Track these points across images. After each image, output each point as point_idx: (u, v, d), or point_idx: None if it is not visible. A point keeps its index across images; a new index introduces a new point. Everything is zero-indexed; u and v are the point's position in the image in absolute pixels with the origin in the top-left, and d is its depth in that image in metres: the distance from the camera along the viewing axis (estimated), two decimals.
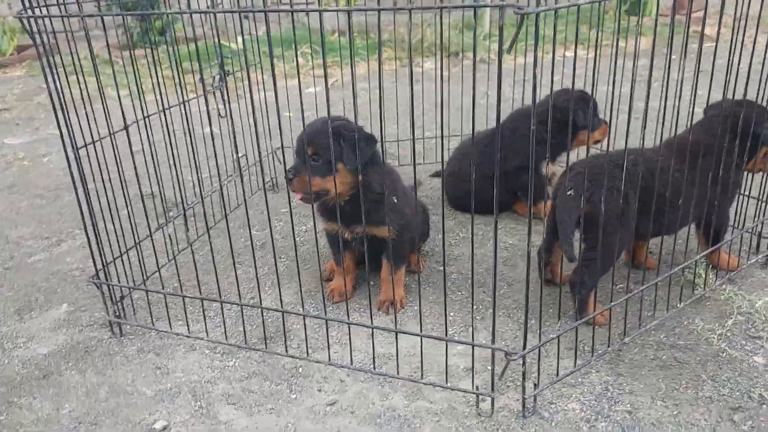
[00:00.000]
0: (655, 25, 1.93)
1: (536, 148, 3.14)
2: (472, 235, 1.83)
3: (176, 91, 2.73)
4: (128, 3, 3.06)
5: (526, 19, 1.47)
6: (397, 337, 2.07)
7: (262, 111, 3.67)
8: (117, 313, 2.47)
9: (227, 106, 3.36)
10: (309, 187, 2.30)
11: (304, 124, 2.12)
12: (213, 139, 2.12)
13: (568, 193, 2.15)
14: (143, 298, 2.63)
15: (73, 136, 2.23)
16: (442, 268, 2.85)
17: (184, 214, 2.96)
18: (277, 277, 2.20)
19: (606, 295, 2.49)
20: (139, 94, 2.38)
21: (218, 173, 2.22)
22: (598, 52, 1.73)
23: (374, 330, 2.18)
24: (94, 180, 2.27)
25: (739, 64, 2.21)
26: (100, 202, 2.33)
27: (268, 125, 3.53)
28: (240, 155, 3.73)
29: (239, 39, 5.13)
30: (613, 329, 2.25)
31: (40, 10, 2.11)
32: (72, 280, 2.89)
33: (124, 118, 2.34)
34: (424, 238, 2.91)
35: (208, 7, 2.74)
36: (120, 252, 2.52)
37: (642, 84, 5.53)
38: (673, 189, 2.24)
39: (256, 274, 2.22)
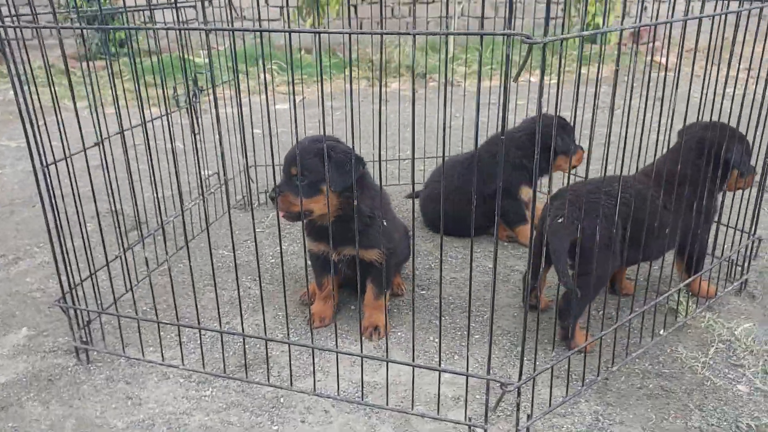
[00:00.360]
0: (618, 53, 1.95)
1: (515, 173, 3.23)
2: (441, 261, 1.79)
3: (139, 106, 2.60)
4: (86, 13, 2.93)
5: (535, 48, 1.45)
6: (387, 367, 2.00)
7: (230, 127, 3.60)
8: (83, 339, 2.32)
9: (200, 122, 3.26)
10: (291, 207, 2.25)
11: (272, 142, 2.06)
12: (195, 155, 2.03)
13: (559, 220, 2.15)
14: (110, 323, 2.48)
15: (43, 151, 2.10)
16: (422, 291, 2.82)
17: (163, 231, 2.83)
18: (262, 301, 2.11)
19: (590, 322, 2.49)
20: (116, 108, 2.26)
21: (200, 189, 2.12)
22: (561, 78, 1.72)
23: (363, 359, 2.11)
24: (55, 197, 2.13)
25: (691, 91, 2.27)
26: (67, 220, 2.19)
27: (237, 142, 3.44)
28: (211, 173, 3.64)
29: (202, 53, 5.02)
30: (602, 357, 2.24)
31: (11, 20, 1.98)
32: (32, 302, 2.71)
33: (104, 132, 2.22)
34: (405, 260, 2.86)
35: (173, 21, 2.65)
36: (90, 272, 2.37)
37: (605, 111, 5.69)
38: (655, 216, 2.27)
39: (239, 296, 2.12)
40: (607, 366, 2.21)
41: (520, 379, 1.82)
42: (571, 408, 2.07)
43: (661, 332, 2.38)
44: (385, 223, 2.36)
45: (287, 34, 1.68)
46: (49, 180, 2.08)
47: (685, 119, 2.30)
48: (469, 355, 2.36)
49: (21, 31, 2.01)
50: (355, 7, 9.72)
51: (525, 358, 2.25)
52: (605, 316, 2.43)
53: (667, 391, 2.14)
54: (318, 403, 2.11)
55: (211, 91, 3.54)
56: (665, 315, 2.42)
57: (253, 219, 1.96)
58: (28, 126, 2.03)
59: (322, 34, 1.71)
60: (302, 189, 2.22)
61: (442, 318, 2.60)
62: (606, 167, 2.00)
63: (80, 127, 2.11)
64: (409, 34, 1.52)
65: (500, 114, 1.56)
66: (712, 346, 2.36)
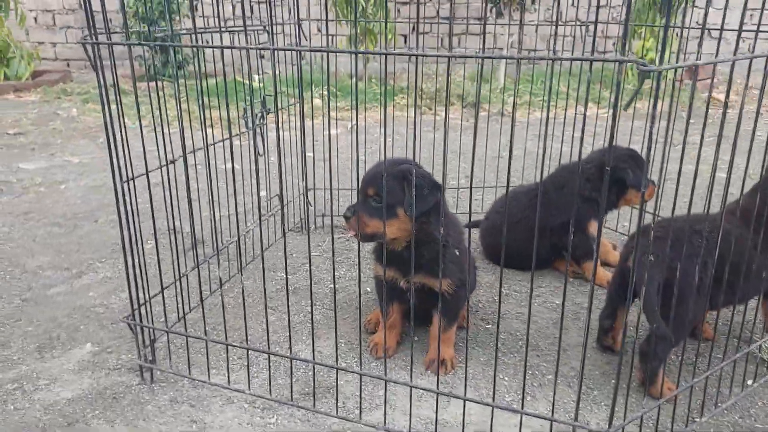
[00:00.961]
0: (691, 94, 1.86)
1: (583, 206, 3.13)
2: (500, 295, 1.70)
3: (202, 127, 2.59)
4: (151, 34, 2.98)
5: (650, 76, 1.38)
6: (465, 406, 1.90)
7: (287, 150, 3.60)
8: (148, 357, 2.29)
9: (265, 144, 3.27)
10: (365, 228, 2.22)
11: (331, 165, 2.02)
12: (256, 176, 2.00)
13: (650, 258, 2.04)
14: (174, 342, 2.46)
15: (119, 168, 2.11)
16: (488, 326, 2.72)
17: (238, 246, 2.82)
18: (336, 330, 2.05)
19: (669, 367, 2.36)
20: (202, 128, 2.26)
21: (259, 211, 2.09)
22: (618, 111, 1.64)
23: (438, 395, 2.02)
24: (133, 213, 2.13)
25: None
26: (136, 237, 2.19)
27: (294, 164, 3.44)
28: (273, 195, 3.63)
29: (256, 77, 5.09)
30: (684, 407, 2.11)
31: (106, 37, 2.01)
32: (95, 317, 2.71)
33: (184, 148, 2.22)
34: (471, 291, 2.78)
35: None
36: (160, 288, 2.36)
37: (672, 146, 5.54)
38: (745, 257, 2.14)
39: (312, 325, 2.07)
40: (694, 417, 2.07)
41: (610, 426, 1.71)
42: None
43: (750, 383, 2.23)
44: (457, 253, 2.30)
45: (352, 55, 1.63)
46: (127, 195, 2.08)
47: (748, 158, 2.17)
48: (542, 396, 2.25)
49: (106, 48, 2.03)
50: (405, 37, 9.82)
51: (597, 401, 2.14)
52: (684, 362, 2.29)
53: None
54: None
55: (272, 113, 3.56)
56: (756, 365, 2.27)
57: (309, 243, 1.91)
58: (111, 142, 2.04)
59: (370, 60, 1.67)
60: (376, 210, 2.18)
61: (512, 354, 2.50)
62: (675, 203, 1.90)
63: (143, 145, 2.11)
64: (493, 58, 1.47)
65: (609, 142, 1.49)
66: None
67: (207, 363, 2.24)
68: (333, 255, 1.82)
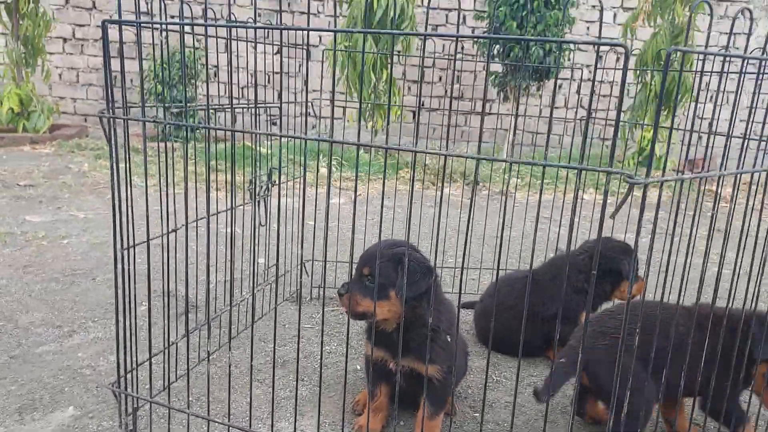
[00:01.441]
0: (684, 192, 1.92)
1: (575, 297, 3.15)
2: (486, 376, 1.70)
3: (207, 191, 2.68)
4: (166, 101, 3.10)
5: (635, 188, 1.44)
6: None
7: (288, 218, 3.68)
8: (129, 427, 2.26)
9: (268, 214, 3.34)
10: (356, 306, 2.25)
11: (326, 235, 2.06)
12: (255, 245, 2.04)
13: (561, 360, 2.09)
14: (156, 411, 2.43)
15: (122, 234, 2.16)
16: (475, 414, 2.68)
17: (230, 315, 2.82)
18: (319, 409, 2.03)
19: None
20: (207, 192, 2.33)
21: (254, 280, 2.12)
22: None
23: None
24: (130, 281, 2.16)
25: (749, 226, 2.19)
26: (131, 302, 2.21)
27: (291, 233, 3.49)
28: (271, 265, 3.67)
29: (266, 143, 5.23)
30: None
31: (123, 112, 2.11)
32: (81, 380, 2.69)
33: (186, 218, 2.28)
34: (461, 377, 2.76)
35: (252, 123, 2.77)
36: (149, 355, 2.35)
37: (661, 237, 5.60)
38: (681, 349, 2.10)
39: (296, 403, 2.05)
40: None
41: None
42: None
43: None
44: (448, 339, 2.30)
45: (359, 129, 1.72)
46: (126, 263, 2.12)
47: (737, 251, 2.21)
48: None
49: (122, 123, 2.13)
50: (414, 113, 10.13)
51: None
52: None
53: None
54: None
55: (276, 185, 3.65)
56: None
57: (299, 317, 1.93)
58: (116, 211, 2.10)
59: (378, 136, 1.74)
60: (369, 290, 2.21)
61: None
62: (663, 294, 1.93)
63: (147, 207, 2.17)
64: (496, 161, 1.54)
65: (596, 255, 1.53)
66: None
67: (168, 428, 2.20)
68: (322, 327, 1.83)
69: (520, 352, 1.75)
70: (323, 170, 7.38)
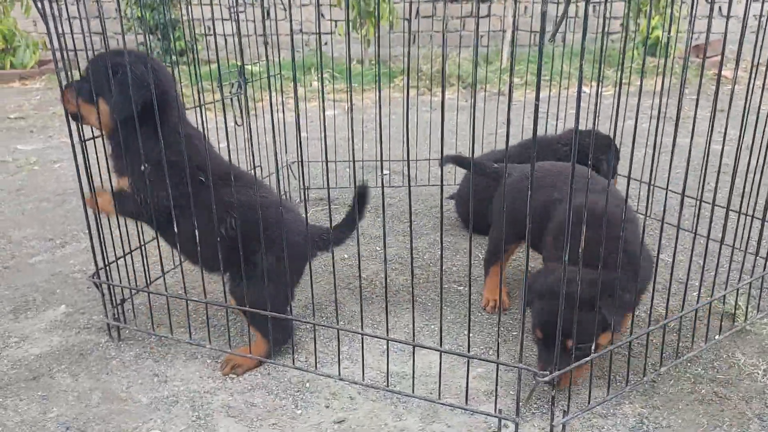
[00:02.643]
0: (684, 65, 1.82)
1: None
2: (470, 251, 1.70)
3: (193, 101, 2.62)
4: (150, 22, 3.00)
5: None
6: (414, 352, 1.91)
7: (279, 129, 3.63)
8: (116, 317, 2.33)
9: (244, 114, 3.29)
10: (64, 102, 2.12)
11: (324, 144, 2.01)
12: (228, 144, 2.02)
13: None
14: (144, 303, 2.49)
15: (82, 127, 2.16)
16: (459, 287, 2.72)
17: None
18: (311, 287, 2.06)
19: (638, 322, 2.33)
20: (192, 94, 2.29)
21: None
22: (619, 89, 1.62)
23: (389, 346, 2.03)
24: (89, 169, 2.17)
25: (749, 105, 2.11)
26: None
27: (283, 141, 3.46)
28: (256, 165, 3.65)
29: (260, 63, 5.10)
30: (648, 358, 2.09)
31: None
32: (73, 282, 2.76)
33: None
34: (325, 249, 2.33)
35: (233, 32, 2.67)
36: (124, 252, 2.40)
37: (662, 121, 5.46)
38: None
39: (288, 279, 2.08)
40: (655, 368, 2.05)
41: (555, 369, 1.70)
42: (613, 409, 1.92)
43: (717, 337, 2.20)
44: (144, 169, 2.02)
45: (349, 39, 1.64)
46: (85, 154, 2.13)
47: (753, 131, 2.14)
48: (507, 350, 2.24)
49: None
50: (409, 20, 9.77)
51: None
52: (652, 317, 2.27)
53: (721, 397, 1.96)
54: (344, 389, 2.04)
55: (263, 92, 3.58)
56: (721, 319, 2.24)
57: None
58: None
59: (371, 43, 1.66)
60: (85, 93, 2.05)
61: (481, 313, 2.50)
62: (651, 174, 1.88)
63: None
64: None
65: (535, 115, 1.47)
66: None
67: (169, 319, 2.26)
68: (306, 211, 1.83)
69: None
70: (315, 84, 7.23)
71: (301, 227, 2.16)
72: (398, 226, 3.38)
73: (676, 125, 1.77)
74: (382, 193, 1.95)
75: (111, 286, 2.31)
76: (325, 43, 8.42)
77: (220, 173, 2.06)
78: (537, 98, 1.45)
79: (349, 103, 1.82)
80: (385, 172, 4.23)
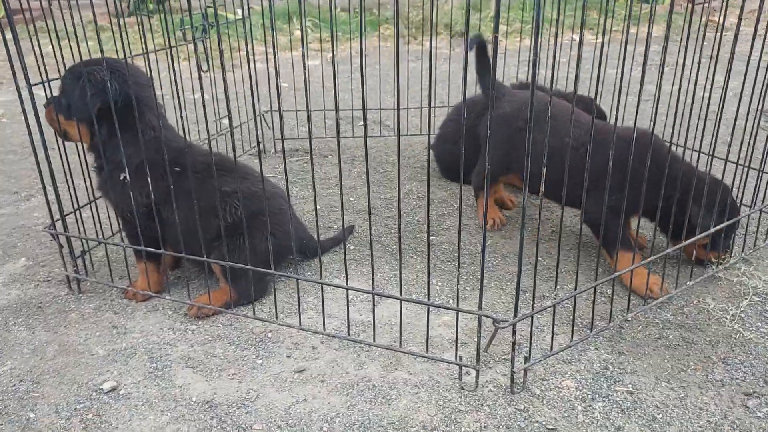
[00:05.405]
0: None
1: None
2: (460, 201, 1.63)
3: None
4: None
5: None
6: (374, 300, 1.86)
7: (255, 79, 3.50)
8: (76, 269, 2.27)
9: (209, 60, 3.16)
10: (50, 122, 2.17)
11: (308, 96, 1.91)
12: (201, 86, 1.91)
13: None
14: (107, 256, 2.43)
15: (27, 71, 2.05)
16: (432, 237, 2.66)
17: None
18: (269, 238, 2.00)
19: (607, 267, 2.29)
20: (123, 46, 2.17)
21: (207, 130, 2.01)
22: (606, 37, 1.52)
23: (355, 296, 1.98)
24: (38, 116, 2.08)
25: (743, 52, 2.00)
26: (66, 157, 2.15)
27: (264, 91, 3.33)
28: (223, 116, 3.54)
29: (239, 11, 4.91)
30: (615, 305, 2.05)
31: None
32: (35, 235, 2.69)
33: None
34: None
35: None
36: (80, 204, 2.32)
37: (652, 69, 5.32)
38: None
39: (245, 229, 2.01)
40: (623, 314, 2.01)
41: (515, 315, 1.65)
42: (578, 355, 1.89)
43: (688, 282, 2.16)
44: (124, 178, 2.04)
45: None
46: (33, 98, 2.03)
47: (728, 73, 2.04)
48: (473, 298, 2.20)
49: None
50: None
51: (527, 301, 2.09)
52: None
53: (688, 342, 1.93)
54: (306, 339, 2.00)
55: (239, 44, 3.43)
56: (692, 265, 2.19)
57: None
58: (12, 47, 1.97)
59: None
60: (62, 108, 2.09)
61: (450, 263, 2.45)
62: (655, 122, 1.80)
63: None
64: None
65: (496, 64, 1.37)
66: (745, 298, 2.12)
67: (128, 271, 2.21)
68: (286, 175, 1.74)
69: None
70: (297, 33, 7.01)
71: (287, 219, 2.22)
72: (374, 176, 3.30)
73: (661, 71, 1.68)
74: (365, 144, 1.86)
75: (68, 238, 2.24)
76: None
77: (205, 163, 2.08)
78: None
79: (331, 54, 1.71)
80: (362, 122, 4.12)
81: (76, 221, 2.34)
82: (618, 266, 2.10)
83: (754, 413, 1.66)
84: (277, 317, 2.05)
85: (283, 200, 2.27)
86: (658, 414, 1.66)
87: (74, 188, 2.28)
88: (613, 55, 2.58)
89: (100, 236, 2.38)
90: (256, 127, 3.25)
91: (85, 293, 2.26)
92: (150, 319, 2.11)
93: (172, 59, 2.29)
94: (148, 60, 2.21)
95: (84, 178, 2.30)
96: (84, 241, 2.32)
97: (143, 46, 2.18)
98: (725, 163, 2.34)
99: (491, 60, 1.54)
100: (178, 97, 1.98)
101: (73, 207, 2.31)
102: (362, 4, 1.48)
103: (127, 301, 2.20)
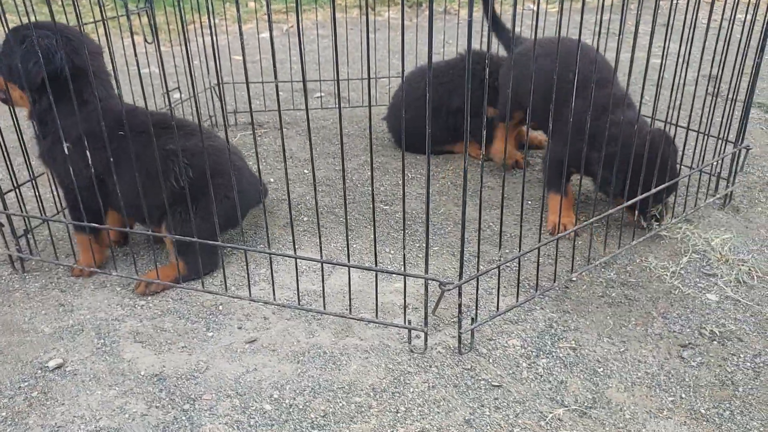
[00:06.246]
0: None
1: (480, 93, 3.02)
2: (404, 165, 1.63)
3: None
4: None
5: None
6: (323, 268, 1.87)
7: (205, 53, 3.43)
8: (18, 248, 2.21)
9: (154, 32, 3.07)
10: None
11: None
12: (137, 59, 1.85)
13: None
14: (55, 233, 2.37)
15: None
16: (385, 207, 2.67)
17: None
18: (189, 202, 1.97)
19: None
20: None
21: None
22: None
23: (306, 265, 1.98)
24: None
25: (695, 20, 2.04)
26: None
27: (207, 66, 3.26)
28: (172, 89, 3.46)
29: None
30: (560, 266, 2.10)
31: None
32: None
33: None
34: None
35: None
36: (18, 183, 2.25)
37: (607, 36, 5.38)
38: None
39: (165, 201, 1.98)
40: (568, 274, 2.06)
41: (461, 278, 1.68)
42: (524, 315, 1.94)
43: (632, 242, 2.22)
44: (66, 148, 1.95)
45: None
46: None
47: (681, 41, 2.08)
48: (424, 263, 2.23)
49: None
50: None
51: (470, 263, 2.13)
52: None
53: (630, 299, 2.00)
54: (258, 310, 2.00)
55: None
56: (635, 225, 2.26)
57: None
58: None
59: None
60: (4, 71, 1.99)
61: (401, 231, 2.46)
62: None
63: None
64: None
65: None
66: (685, 256, 2.20)
67: (72, 248, 2.16)
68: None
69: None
70: (251, 5, 6.85)
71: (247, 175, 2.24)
72: (329, 148, 3.28)
73: (619, 41, 1.71)
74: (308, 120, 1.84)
75: (9, 217, 2.18)
76: None
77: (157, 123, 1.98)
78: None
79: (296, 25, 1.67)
80: (318, 94, 4.08)
81: (18, 199, 2.27)
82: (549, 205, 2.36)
83: (688, 363, 1.73)
84: (227, 289, 2.04)
85: (236, 156, 2.24)
86: (599, 368, 1.72)
87: (12, 166, 2.20)
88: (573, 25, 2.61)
89: (44, 215, 2.32)
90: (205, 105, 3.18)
91: (30, 272, 2.21)
92: (98, 295, 2.08)
93: (107, 32, 2.23)
94: (99, 30, 2.14)
95: (24, 155, 2.23)
96: (26, 219, 2.26)
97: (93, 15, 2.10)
98: (665, 126, 2.40)
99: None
100: (128, 71, 1.92)
101: (13, 185, 2.24)
102: None
103: (74, 279, 2.16)
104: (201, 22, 3.44)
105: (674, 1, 2.14)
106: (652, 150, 2.07)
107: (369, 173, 2.98)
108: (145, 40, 2.96)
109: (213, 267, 2.17)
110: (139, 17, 3.05)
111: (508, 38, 2.91)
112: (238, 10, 1.57)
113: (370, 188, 2.77)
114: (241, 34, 1.59)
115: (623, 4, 1.76)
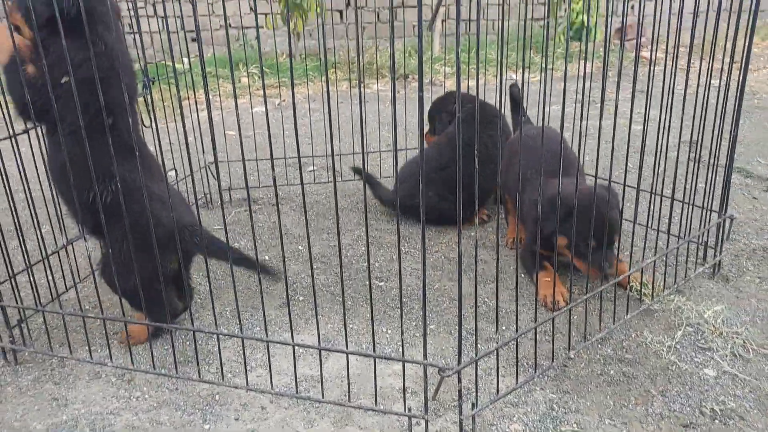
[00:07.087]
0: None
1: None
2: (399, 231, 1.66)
3: None
4: None
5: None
6: (320, 355, 1.86)
7: (199, 129, 3.52)
8: (12, 339, 2.19)
9: (152, 116, 3.15)
10: None
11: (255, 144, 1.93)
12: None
13: None
14: (48, 324, 2.35)
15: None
16: (380, 283, 2.68)
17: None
18: (212, 299, 1.98)
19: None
20: None
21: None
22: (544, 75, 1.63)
23: (303, 351, 1.97)
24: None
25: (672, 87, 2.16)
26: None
27: (210, 141, 3.34)
28: (169, 169, 3.52)
29: (185, 60, 4.93)
30: (557, 344, 2.11)
31: None
32: None
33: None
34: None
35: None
36: (13, 272, 2.25)
37: (587, 105, 5.57)
38: None
39: (163, 287, 1.99)
40: (566, 352, 2.07)
41: (459, 363, 1.68)
42: (524, 397, 1.93)
43: (626, 316, 2.24)
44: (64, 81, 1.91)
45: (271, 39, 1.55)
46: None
47: (661, 108, 2.18)
48: (422, 344, 2.22)
49: None
50: (341, 12, 9.66)
51: (467, 342, 2.13)
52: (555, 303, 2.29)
53: (628, 377, 2.00)
54: (255, 399, 1.97)
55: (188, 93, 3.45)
56: (627, 299, 2.28)
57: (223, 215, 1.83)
58: None
59: (304, 37, 1.57)
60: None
61: (397, 310, 2.47)
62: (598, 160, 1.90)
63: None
64: None
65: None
66: (680, 329, 2.22)
67: (67, 338, 2.14)
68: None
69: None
70: (244, 80, 7.05)
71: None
72: (323, 223, 3.32)
73: (602, 109, 1.79)
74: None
75: (3, 307, 2.17)
76: (256, 38, 8.22)
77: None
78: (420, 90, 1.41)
79: (282, 98, 1.74)
80: (311, 168, 4.16)
81: (12, 289, 2.26)
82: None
83: None
84: (223, 378, 2.02)
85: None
86: None
87: (8, 255, 2.21)
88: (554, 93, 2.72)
89: (41, 303, 2.31)
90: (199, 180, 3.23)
91: (22, 364, 2.18)
92: (92, 387, 2.05)
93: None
94: None
95: (19, 244, 2.24)
96: (20, 309, 2.25)
97: None
98: (651, 196, 2.47)
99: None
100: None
101: (8, 274, 2.23)
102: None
103: (68, 369, 2.13)
104: (196, 98, 3.55)
105: (651, 69, 2.23)
106: (589, 204, 2.11)
107: (363, 248, 3.01)
108: (143, 124, 3.04)
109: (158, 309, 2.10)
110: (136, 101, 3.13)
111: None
112: (233, 85, 1.63)
113: (366, 264, 2.82)
114: (236, 109, 1.65)
115: (603, 74, 1.84)
